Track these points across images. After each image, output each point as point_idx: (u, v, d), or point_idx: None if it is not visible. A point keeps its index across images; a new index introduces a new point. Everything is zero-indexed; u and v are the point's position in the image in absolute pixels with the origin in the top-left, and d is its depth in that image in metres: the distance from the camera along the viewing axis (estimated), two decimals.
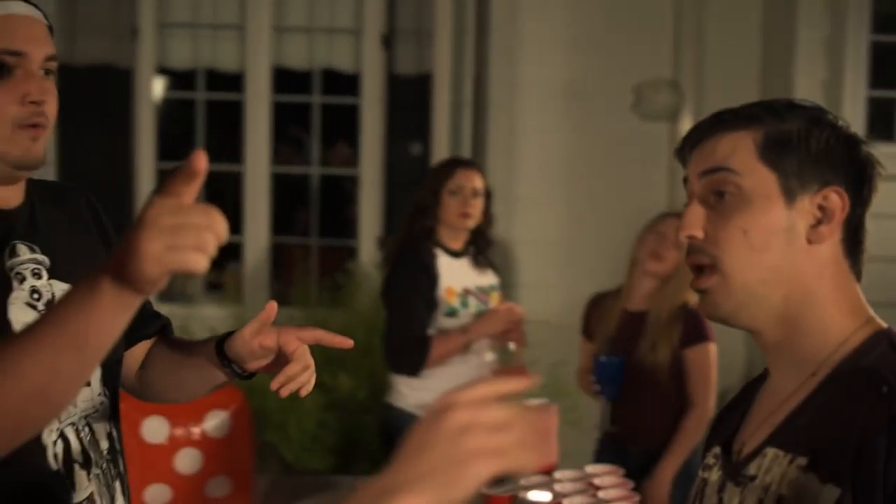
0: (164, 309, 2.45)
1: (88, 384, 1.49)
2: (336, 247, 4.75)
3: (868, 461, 1.09)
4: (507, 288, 4.48)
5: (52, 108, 1.45)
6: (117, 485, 1.55)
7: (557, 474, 2.46)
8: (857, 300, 1.24)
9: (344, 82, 4.65)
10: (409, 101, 4.62)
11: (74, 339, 1.11)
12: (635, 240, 3.25)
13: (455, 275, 3.12)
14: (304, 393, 1.53)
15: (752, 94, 4.58)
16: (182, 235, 1.01)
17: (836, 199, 1.21)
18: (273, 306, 1.50)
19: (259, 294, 4.54)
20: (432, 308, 3.06)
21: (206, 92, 4.68)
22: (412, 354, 3.03)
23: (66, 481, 1.46)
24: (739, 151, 1.22)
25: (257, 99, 4.53)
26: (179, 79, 4.80)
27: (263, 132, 4.56)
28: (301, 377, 1.50)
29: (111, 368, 1.55)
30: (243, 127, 4.56)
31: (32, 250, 1.50)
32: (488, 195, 3.21)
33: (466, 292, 3.13)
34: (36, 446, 1.42)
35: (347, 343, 1.52)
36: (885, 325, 1.23)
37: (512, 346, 3.13)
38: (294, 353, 1.48)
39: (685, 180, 1.28)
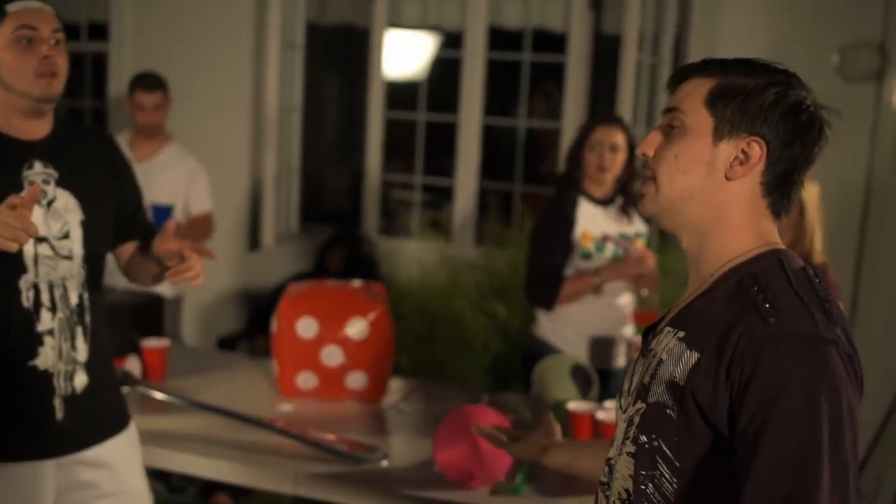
0: (388, 242, 3.11)
1: (70, 258, 2.22)
2: (537, 194, 5.11)
3: (725, 336, 1.36)
4: (677, 247, 4.69)
5: (61, 62, 2.18)
6: (79, 329, 2.25)
7: None
8: (766, 230, 1.48)
9: (554, 42, 4.97)
10: (614, 60, 4.86)
11: None
12: None
13: (595, 221, 3.42)
14: (190, 285, 2.24)
15: None
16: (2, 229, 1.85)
17: (756, 149, 1.45)
18: (172, 223, 2.27)
19: (466, 232, 5.01)
20: (568, 250, 3.39)
21: (432, 49, 5.18)
22: (545, 290, 3.38)
23: (33, 316, 2.18)
24: (692, 95, 1.49)
25: (474, 56, 4.96)
26: (411, 36, 5.32)
27: (478, 87, 4.98)
28: (187, 273, 2.19)
29: (93, 254, 2.27)
30: (461, 81, 5.01)
31: (46, 166, 2.22)
32: (632, 150, 3.46)
33: (605, 238, 3.42)
34: (12, 290, 2.17)
35: (210, 254, 2.25)
36: (783, 250, 1.47)
37: (644, 291, 3.40)
38: (184, 256, 2.19)
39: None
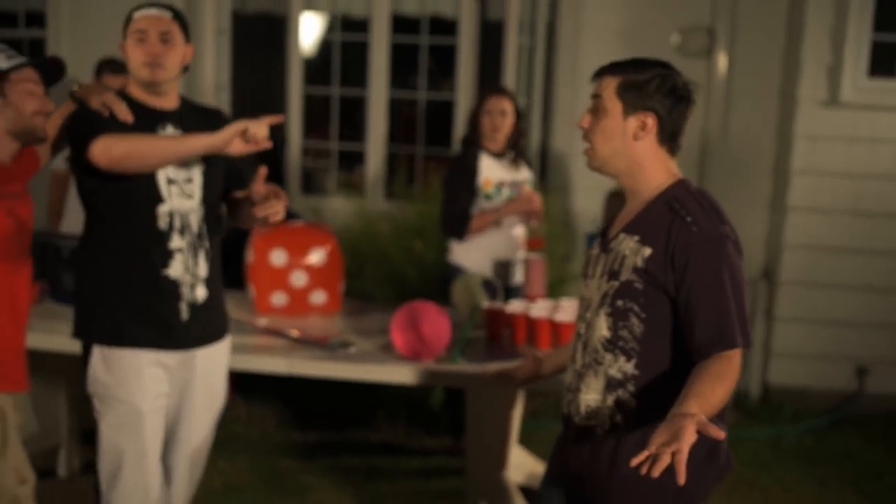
0: (309, 200, 3.99)
1: (192, 197, 2.94)
2: (437, 155, 6.02)
3: (667, 237, 2.21)
4: (563, 191, 5.70)
5: (168, 57, 2.88)
6: (201, 251, 2.98)
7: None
8: (671, 167, 2.33)
9: (446, 27, 5.86)
10: (501, 43, 5.78)
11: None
12: None
13: (493, 170, 4.36)
14: (272, 220, 2.89)
15: (777, 36, 5.58)
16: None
17: (650, 120, 2.28)
18: (263, 169, 2.89)
19: (377, 190, 5.90)
20: (473, 194, 4.33)
21: (341, 33, 5.99)
22: (457, 225, 4.32)
23: (166, 235, 2.90)
24: (608, 88, 2.30)
25: (379, 39, 5.82)
26: (324, 23, 6.11)
27: (383, 65, 5.85)
28: (270, 209, 2.84)
29: (208, 196, 2.98)
30: (369, 61, 5.87)
31: (175, 128, 2.96)
32: (518, 114, 4.43)
33: (501, 183, 4.38)
34: (151, 215, 2.87)
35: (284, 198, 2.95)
36: (685, 179, 2.32)
37: (533, 223, 4.39)
38: (266, 195, 2.85)
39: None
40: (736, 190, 5.65)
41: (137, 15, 2.90)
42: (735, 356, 2.17)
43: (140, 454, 2.93)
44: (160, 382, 2.95)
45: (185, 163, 2.91)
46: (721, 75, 5.63)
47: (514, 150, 4.46)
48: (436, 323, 3.42)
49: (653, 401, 2.25)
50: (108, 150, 2.71)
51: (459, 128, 5.74)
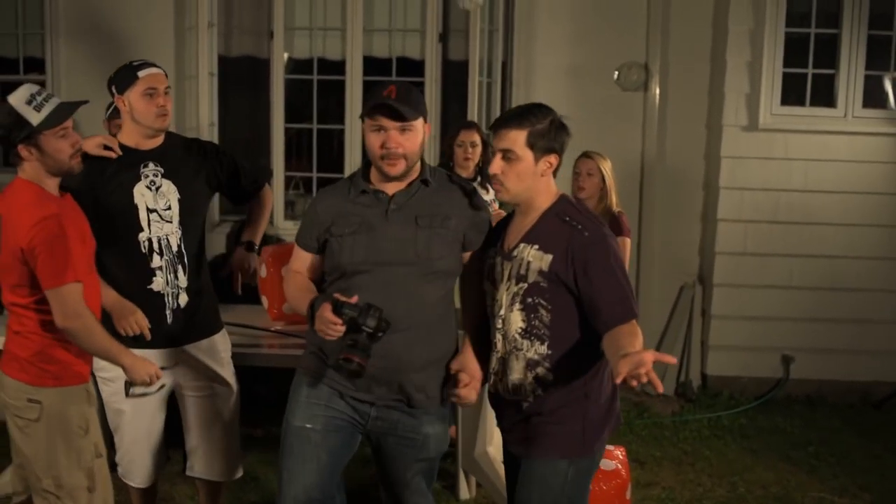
0: (289, 224, 4.64)
1: (171, 222, 3.60)
2: None
3: (567, 242, 2.78)
4: None
5: (170, 107, 3.59)
6: (180, 267, 3.62)
7: None
8: (554, 186, 2.91)
9: (413, 67, 6.56)
10: (461, 80, 6.47)
11: None
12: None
13: None
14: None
15: (703, 71, 6.37)
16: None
17: (555, 158, 2.85)
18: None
19: None
20: None
21: (318, 75, 6.63)
22: None
23: (147, 257, 3.55)
24: (518, 140, 2.80)
25: (353, 78, 6.48)
26: (300, 65, 6.76)
27: (358, 101, 6.49)
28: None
29: (186, 219, 3.62)
30: (345, 98, 6.52)
31: (156, 164, 3.60)
32: (485, 145, 5.15)
33: None
34: (133, 242, 3.53)
35: None
36: (564, 194, 2.93)
37: None
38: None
39: (493, 144, 2.89)
40: (672, 204, 6.44)
41: (143, 73, 3.56)
42: (636, 323, 2.71)
43: (120, 419, 3.76)
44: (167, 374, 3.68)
45: (161, 193, 3.60)
46: (655, 105, 6.40)
47: (481, 175, 5.18)
48: None
49: (564, 373, 2.83)
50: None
51: (428, 156, 6.42)
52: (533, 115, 2.83)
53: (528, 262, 2.83)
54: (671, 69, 6.36)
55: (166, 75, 3.67)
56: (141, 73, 3.58)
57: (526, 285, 2.83)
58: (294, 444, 3.10)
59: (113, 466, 4.02)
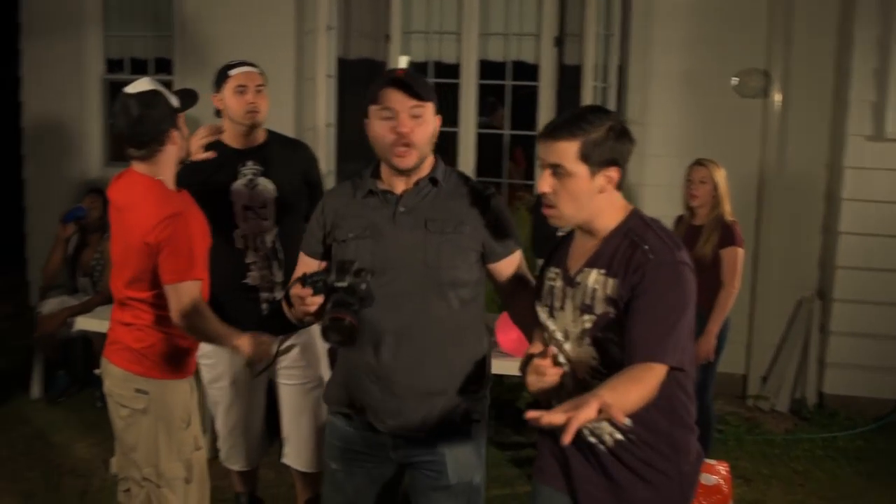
0: None
1: (267, 220, 3.76)
2: (520, 185, 6.71)
3: (627, 266, 2.30)
4: None
5: (261, 103, 3.69)
6: (275, 262, 3.75)
7: None
8: (622, 202, 2.42)
9: (528, 71, 6.56)
10: (576, 84, 6.44)
11: None
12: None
13: None
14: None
15: (826, 78, 6.17)
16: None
17: (615, 172, 2.36)
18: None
19: None
20: None
21: (434, 78, 6.69)
22: (545, 246, 4.98)
23: (243, 252, 3.70)
24: (567, 155, 2.32)
25: (468, 82, 6.53)
26: (416, 68, 6.82)
27: (472, 105, 6.54)
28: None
29: (283, 217, 3.75)
30: (460, 101, 6.57)
31: (255, 164, 3.72)
32: None
33: None
34: (230, 238, 3.67)
35: None
36: (635, 208, 2.43)
37: None
38: None
39: (539, 156, 2.41)
40: (791, 215, 6.24)
41: (234, 72, 3.68)
42: (658, 370, 2.22)
43: (219, 405, 3.95)
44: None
45: (258, 192, 3.72)
46: (776, 113, 6.22)
47: None
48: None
49: (643, 416, 2.33)
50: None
51: None
52: (586, 122, 2.34)
53: (594, 290, 2.38)
54: (793, 76, 6.17)
55: (261, 74, 3.77)
56: (232, 72, 3.73)
57: (595, 317, 2.38)
58: (326, 485, 3.01)
59: (215, 454, 4.16)
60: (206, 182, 3.63)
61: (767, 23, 6.18)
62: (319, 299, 2.48)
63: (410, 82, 2.63)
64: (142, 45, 7.17)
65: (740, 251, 4.86)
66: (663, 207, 5.84)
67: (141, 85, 3.10)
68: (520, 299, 2.79)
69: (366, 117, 2.67)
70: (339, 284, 2.47)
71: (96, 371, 3.38)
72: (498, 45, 6.59)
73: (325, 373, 3.95)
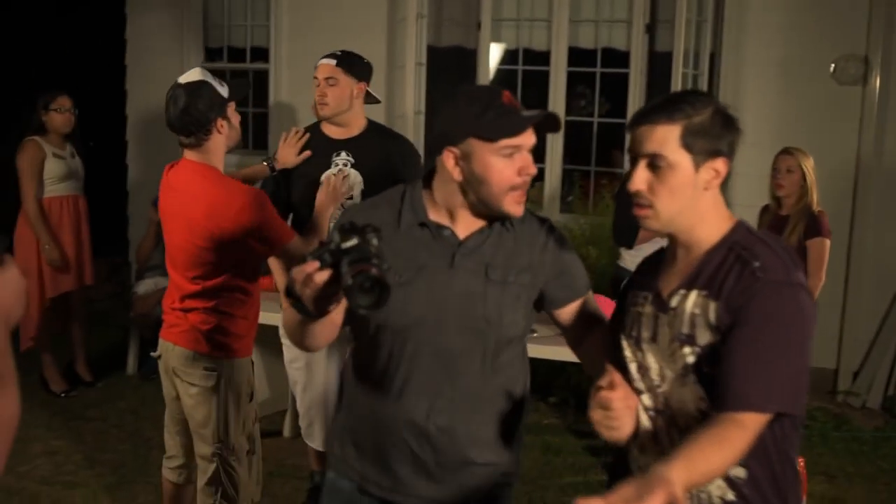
0: None
1: None
2: (606, 172, 6.67)
3: (734, 287, 1.87)
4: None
5: (330, 96, 3.74)
6: None
7: None
8: (725, 209, 2.00)
9: (619, 58, 6.50)
10: (667, 72, 6.35)
11: None
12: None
13: None
14: None
15: None
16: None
17: (722, 164, 1.94)
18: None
19: (553, 204, 6.59)
20: None
21: (524, 65, 6.71)
22: (626, 235, 4.96)
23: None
24: (668, 141, 1.91)
25: (558, 69, 6.52)
26: (508, 55, 6.85)
27: (561, 92, 6.53)
28: None
29: None
30: (549, 89, 6.57)
31: (348, 155, 3.78)
32: None
33: None
34: None
35: None
36: (742, 220, 2.01)
37: None
38: None
39: (631, 147, 1.99)
40: (888, 207, 6.04)
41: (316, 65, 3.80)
42: (752, 422, 1.82)
43: (297, 385, 4.17)
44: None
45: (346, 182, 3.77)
46: (874, 101, 6.02)
47: None
48: (608, 311, 4.08)
49: (761, 467, 1.94)
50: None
51: None
52: (688, 105, 1.95)
53: (693, 315, 1.95)
54: (894, 63, 5.97)
55: (338, 65, 3.83)
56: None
57: (698, 349, 1.93)
58: None
59: (297, 432, 4.29)
60: (302, 170, 3.83)
61: (868, 7, 5.98)
62: (325, 272, 1.92)
63: (553, 120, 2.23)
64: (240, 35, 7.36)
65: (827, 242, 4.76)
66: (756, 198, 5.76)
67: (191, 75, 3.24)
68: (593, 337, 2.36)
69: (450, 146, 2.16)
70: (348, 245, 1.93)
71: (153, 353, 3.50)
72: (589, 31, 6.55)
73: None
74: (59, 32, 9.41)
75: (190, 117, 3.18)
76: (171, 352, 3.35)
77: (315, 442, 4.18)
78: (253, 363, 3.46)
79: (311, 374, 4.02)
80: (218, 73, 3.46)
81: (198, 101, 3.17)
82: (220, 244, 3.16)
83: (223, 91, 3.23)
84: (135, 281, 6.47)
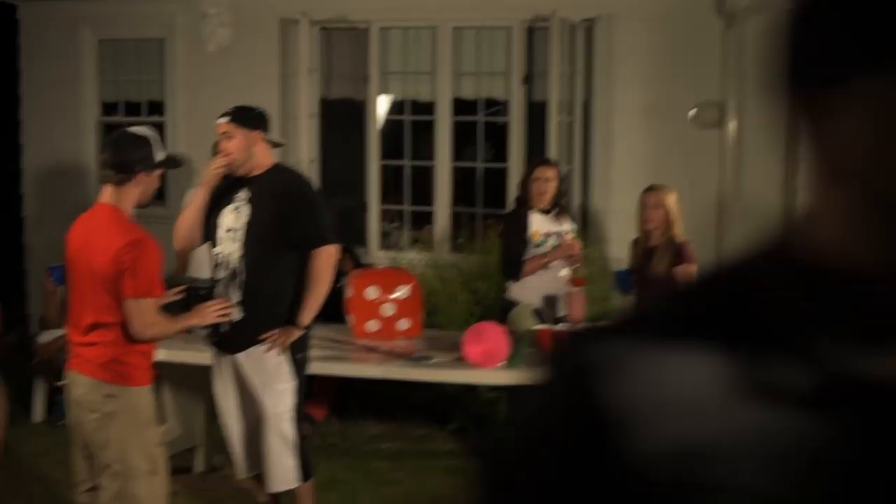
0: (382, 254, 5.14)
1: (236, 242, 4.12)
2: (493, 214, 7.08)
3: None
4: (600, 241, 6.71)
5: (231, 148, 4.12)
6: (234, 283, 4.10)
7: None
8: None
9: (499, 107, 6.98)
10: (544, 118, 6.83)
11: None
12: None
13: (541, 224, 5.40)
14: None
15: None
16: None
17: None
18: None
19: (444, 244, 6.98)
20: (525, 243, 5.37)
21: (410, 115, 7.12)
22: (513, 268, 5.36)
23: (216, 269, 4.09)
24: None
25: (443, 118, 6.95)
26: (394, 106, 7.24)
27: (447, 140, 6.96)
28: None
29: (249, 245, 4.10)
30: (434, 137, 6.98)
31: (247, 191, 4.13)
32: (561, 179, 5.49)
33: (547, 234, 5.42)
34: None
35: None
36: None
37: (575, 265, 5.42)
38: None
39: None
40: (748, 237, 6.60)
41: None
42: None
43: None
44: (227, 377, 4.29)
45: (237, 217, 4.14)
46: (729, 142, 6.63)
47: (558, 207, 5.51)
48: (498, 336, 4.48)
49: None
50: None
51: (512, 191, 6.80)
52: None
53: None
54: (747, 107, 6.58)
55: (231, 121, 4.20)
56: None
57: None
58: None
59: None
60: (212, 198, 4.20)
61: (720, 57, 6.60)
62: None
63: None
64: (135, 89, 7.58)
65: (693, 268, 5.25)
66: (627, 232, 6.26)
67: (140, 129, 3.68)
68: None
69: None
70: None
71: (59, 383, 3.79)
72: (470, 82, 7.01)
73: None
74: None
75: (122, 158, 3.56)
76: (74, 380, 3.66)
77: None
78: (153, 390, 3.76)
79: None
80: (115, 127, 3.83)
81: (136, 149, 3.57)
82: (113, 281, 3.50)
83: (159, 155, 3.64)
84: (39, 330, 6.58)
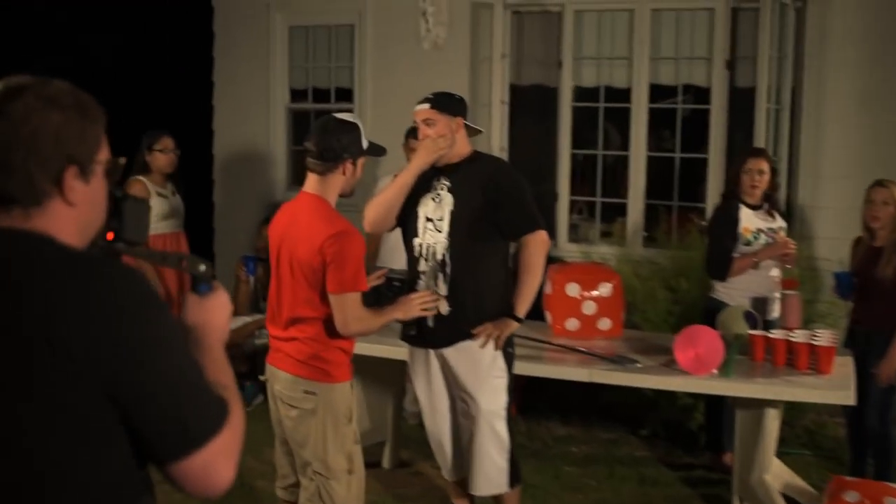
0: (572, 247, 4.87)
1: (441, 232, 3.95)
2: (690, 207, 6.73)
3: None
4: (809, 238, 6.25)
5: (427, 133, 3.93)
6: (441, 275, 3.89)
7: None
8: None
9: (700, 94, 6.60)
10: (747, 106, 6.43)
11: None
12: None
13: (751, 220, 5.04)
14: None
15: None
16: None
17: None
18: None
19: (636, 238, 6.67)
20: (735, 240, 5.02)
21: (604, 102, 6.83)
22: (721, 267, 5.02)
23: (417, 261, 3.93)
24: None
25: (639, 106, 6.63)
26: (588, 93, 6.97)
27: (642, 129, 6.65)
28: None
29: (454, 237, 3.91)
30: (629, 124, 6.68)
31: (447, 179, 3.94)
32: (773, 172, 5.10)
33: (759, 231, 5.05)
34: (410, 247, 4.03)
35: None
36: None
37: (787, 265, 5.03)
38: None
39: None
40: None
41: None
42: None
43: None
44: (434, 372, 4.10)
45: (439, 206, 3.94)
46: None
47: (769, 202, 5.13)
48: (712, 342, 4.17)
49: None
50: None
51: (711, 183, 6.43)
52: None
53: None
54: None
55: (432, 107, 3.97)
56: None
57: None
58: None
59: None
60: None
61: None
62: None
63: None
64: (324, 76, 7.58)
65: None
66: (837, 230, 5.82)
67: (347, 116, 3.53)
68: None
69: None
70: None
71: (261, 377, 3.72)
72: (669, 67, 6.66)
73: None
74: (150, 75, 9.75)
75: (329, 144, 3.42)
76: (274, 375, 3.57)
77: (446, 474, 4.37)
78: (354, 386, 3.64)
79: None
80: (303, 114, 3.68)
81: (343, 136, 3.43)
82: (318, 273, 3.38)
83: (364, 143, 3.50)
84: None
